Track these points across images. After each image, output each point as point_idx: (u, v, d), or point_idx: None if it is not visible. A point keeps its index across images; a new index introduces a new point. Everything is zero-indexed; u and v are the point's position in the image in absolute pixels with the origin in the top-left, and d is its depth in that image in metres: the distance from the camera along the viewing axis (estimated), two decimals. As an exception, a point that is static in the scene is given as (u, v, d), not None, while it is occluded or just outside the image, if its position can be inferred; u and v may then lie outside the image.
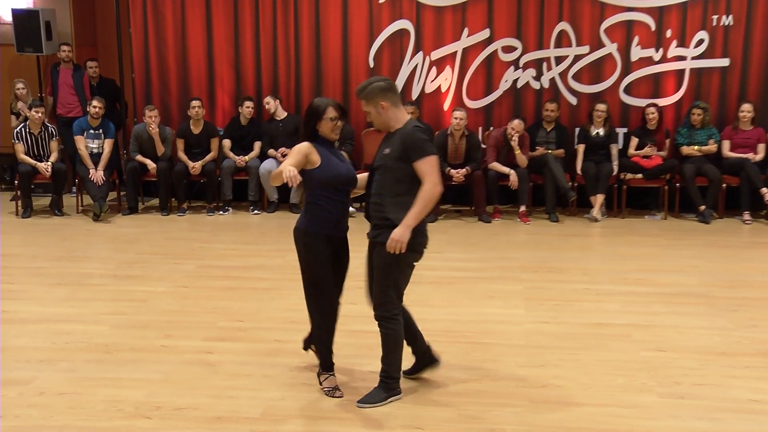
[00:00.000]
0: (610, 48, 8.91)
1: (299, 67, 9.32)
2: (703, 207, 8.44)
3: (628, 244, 7.58)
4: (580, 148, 8.78)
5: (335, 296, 4.17)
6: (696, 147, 8.63)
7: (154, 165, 8.84)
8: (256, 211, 8.93)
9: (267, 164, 8.88)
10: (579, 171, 8.72)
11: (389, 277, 3.97)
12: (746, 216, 8.44)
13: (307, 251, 4.05)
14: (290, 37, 9.28)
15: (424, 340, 4.31)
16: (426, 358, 4.36)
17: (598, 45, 8.94)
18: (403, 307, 4.13)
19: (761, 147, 8.59)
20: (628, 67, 8.93)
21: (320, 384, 4.25)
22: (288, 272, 6.57)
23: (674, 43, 8.83)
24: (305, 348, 4.59)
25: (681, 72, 8.90)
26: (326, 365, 4.24)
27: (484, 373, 4.37)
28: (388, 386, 4.12)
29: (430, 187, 3.88)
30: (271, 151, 8.97)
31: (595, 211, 8.57)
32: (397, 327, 4.03)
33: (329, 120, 4.03)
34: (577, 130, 8.92)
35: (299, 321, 5.31)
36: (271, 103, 9.00)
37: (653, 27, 8.82)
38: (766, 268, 6.78)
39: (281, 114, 9.08)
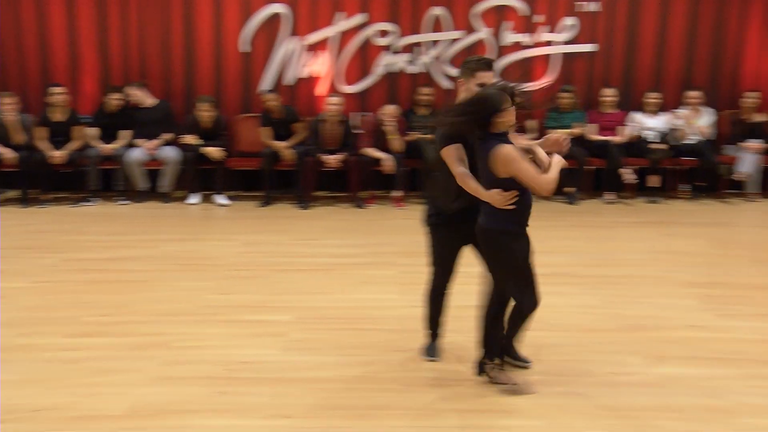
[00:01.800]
0: (484, 33, 9.08)
1: (169, 52, 9.01)
2: (570, 189, 8.74)
3: (501, 226, 7.73)
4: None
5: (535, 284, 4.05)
6: (564, 130, 8.93)
7: (11, 155, 8.35)
8: (124, 202, 8.59)
9: (135, 153, 8.57)
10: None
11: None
12: (609, 196, 8.80)
13: (501, 250, 3.90)
14: (160, 19, 8.95)
15: None
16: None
17: (471, 29, 9.08)
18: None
19: (623, 129, 8.98)
20: (500, 52, 9.13)
21: (492, 377, 4.12)
22: (157, 263, 6.37)
23: (544, 28, 9.08)
24: (480, 372, 4.20)
25: (550, 57, 9.17)
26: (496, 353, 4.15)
27: (356, 359, 4.35)
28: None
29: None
30: (141, 141, 8.64)
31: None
32: None
33: (510, 109, 3.70)
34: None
35: (168, 313, 5.17)
36: (136, 94, 8.69)
37: (524, 12, 9.04)
38: (629, 246, 7.09)
39: (149, 101, 8.77)
